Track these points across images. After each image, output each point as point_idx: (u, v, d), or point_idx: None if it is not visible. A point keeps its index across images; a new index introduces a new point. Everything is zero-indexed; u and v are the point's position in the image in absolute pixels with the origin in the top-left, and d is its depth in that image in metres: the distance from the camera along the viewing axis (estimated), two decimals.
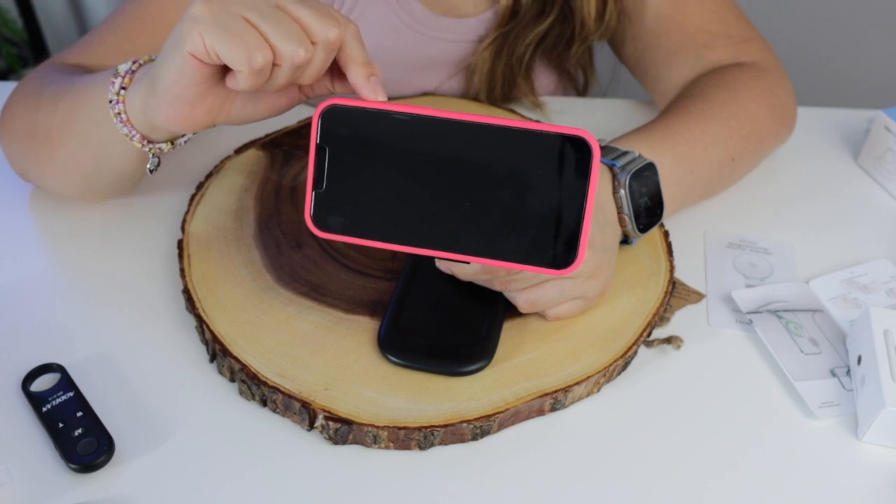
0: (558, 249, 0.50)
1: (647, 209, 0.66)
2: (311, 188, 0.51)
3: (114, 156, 0.64)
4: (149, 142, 0.60)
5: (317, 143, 0.50)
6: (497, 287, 0.61)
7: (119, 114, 0.58)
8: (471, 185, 0.50)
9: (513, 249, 0.51)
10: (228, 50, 0.49)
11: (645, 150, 0.67)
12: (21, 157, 0.70)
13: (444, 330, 0.61)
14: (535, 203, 0.50)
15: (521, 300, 0.61)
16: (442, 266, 0.61)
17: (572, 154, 0.48)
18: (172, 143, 0.62)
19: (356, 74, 0.52)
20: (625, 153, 0.65)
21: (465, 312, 0.62)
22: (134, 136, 0.59)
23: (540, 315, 0.63)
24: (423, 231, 0.51)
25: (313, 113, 0.50)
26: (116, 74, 0.58)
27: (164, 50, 0.53)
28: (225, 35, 0.49)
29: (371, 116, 0.50)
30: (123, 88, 0.58)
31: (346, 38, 0.52)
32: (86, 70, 0.71)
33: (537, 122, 0.54)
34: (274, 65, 0.51)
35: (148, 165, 0.62)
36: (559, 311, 0.62)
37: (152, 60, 0.58)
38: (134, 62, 0.59)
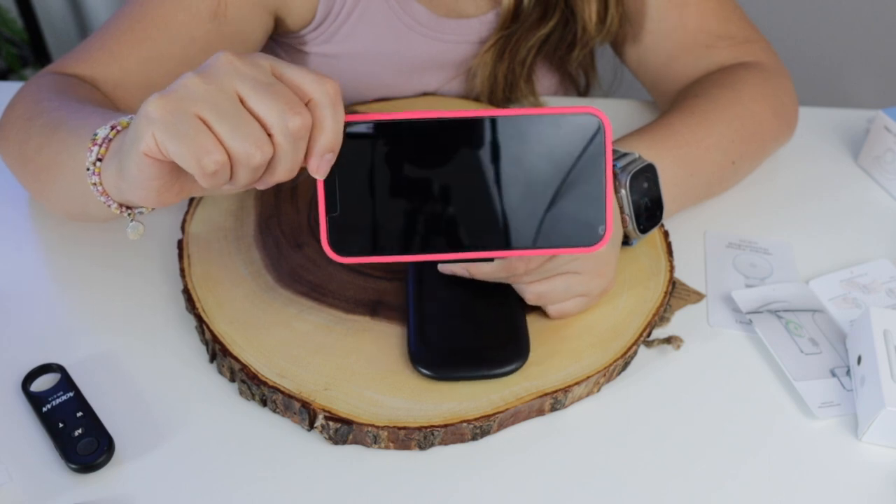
0: (586, 227, 0.50)
1: (647, 210, 0.66)
2: (324, 214, 0.50)
3: (98, 208, 0.61)
4: (127, 207, 0.58)
5: None
6: (511, 281, 0.61)
7: (95, 184, 0.56)
8: (489, 182, 0.50)
9: (541, 237, 0.51)
10: (179, 154, 0.47)
11: (645, 151, 0.67)
12: (16, 176, 0.70)
13: (473, 335, 0.61)
14: (555, 186, 0.50)
15: (530, 292, 0.61)
16: (457, 269, 0.60)
17: (584, 131, 0.49)
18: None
19: (312, 148, 0.49)
20: (625, 154, 0.66)
21: (484, 312, 0.62)
22: (111, 204, 0.57)
23: (541, 315, 0.63)
24: (447, 237, 0.51)
25: None
26: (94, 142, 0.55)
27: (126, 142, 0.50)
28: (176, 138, 0.46)
29: (378, 128, 0.49)
30: (100, 160, 0.55)
31: (317, 121, 0.48)
32: (87, 82, 0.71)
33: (542, 107, 0.54)
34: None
35: (128, 230, 0.59)
36: (562, 307, 0.62)
37: (129, 119, 0.56)
38: (112, 128, 0.55)
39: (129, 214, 0.58)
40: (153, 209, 0.60)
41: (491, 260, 0.57)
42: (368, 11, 0.81)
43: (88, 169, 0.55)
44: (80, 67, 0.72)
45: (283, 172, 0.49)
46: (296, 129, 0.47)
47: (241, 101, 0.47)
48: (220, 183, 0.48)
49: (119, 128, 0.55)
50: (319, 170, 0.49)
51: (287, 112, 0.46)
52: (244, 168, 0.47)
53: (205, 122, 0.46)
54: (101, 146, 0.55)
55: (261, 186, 0.50)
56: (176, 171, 0.51)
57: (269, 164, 0.48)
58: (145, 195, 0.51)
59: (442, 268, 0.61)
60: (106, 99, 0.71)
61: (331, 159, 0.49)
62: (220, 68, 0.47)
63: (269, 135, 0.47)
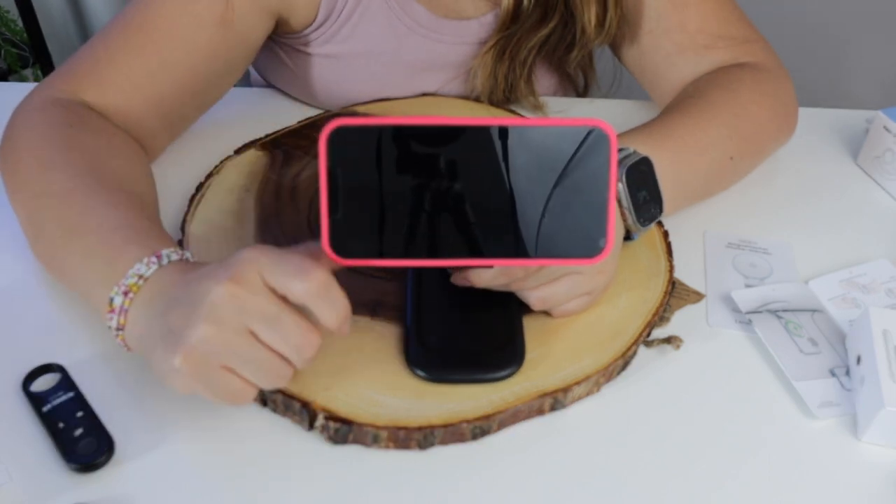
0: (586, 239, 0.50)
1: (645, 202, 0.66)
2: (326, 216, 0.50)
3: None
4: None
5: (327, 169, 0.48)
6: (512, 288, 0.61)
7: (120, 340, 0.57)
8: (491, 190, 0.50)
9: (541, 247, 0.51)
10: (214, 399, 0.52)
11: (642, 149, 0.67)
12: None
13: (470, 338, 0.61)
14: (557, 197, 0.50)
15: (534, 298, 0.61)
16: (457, 280, 0.60)
17: (589, 144, 0.49)
18: None
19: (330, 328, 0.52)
20: (620, 149, 0.66)
21: (481, 315, 0.62)
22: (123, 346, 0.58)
23: (541, 315, 0.63)
24: (448, 243, 0.50)
25: (319, 137, 0.48)
26: (111, 308, 0.55)
27: (155, 366, 0.53)
28: (208, 390, 0.51)
29: (381, 133, 0.49)
30: (120, 329, 0.56)
31: (315, 311, 0.51)
32: (96, 111, 0.69)
33: (547, 118, 0.54)
34: None
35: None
36: (567, 307, 0.63)
37: (139, 281, 0.55)
38: (124, 294, 0.55)
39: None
40: None
41: (490, 267, 0.57)
42: (369, 12, 0.81)
43: (110, 327, 0.56)
44: (90, 93, 0.70)
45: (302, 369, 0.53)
46: (310, 357, 0.52)
47: (254, 335, 0.50)
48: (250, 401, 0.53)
49: (132, 295, 0.55)
50: (344, 334, 0.52)
51: (301, 346, 0.51)
52: (271, 388, 0.53)
53: (230, 370, 0.51)
54: (119, 315, 0.56)
55: None
56: None
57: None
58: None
59: (454, 278, 0.60)
60: (117, 131, 0.70)
61: (347, 325, 0.52)
62: (225, 309, 0.49)
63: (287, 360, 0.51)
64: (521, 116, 0.87)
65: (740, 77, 0.78)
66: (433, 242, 0.51)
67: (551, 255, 0.51)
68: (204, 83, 0.75)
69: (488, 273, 0.58)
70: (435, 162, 0.49)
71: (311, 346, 0.51)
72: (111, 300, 0.56)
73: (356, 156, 0.49)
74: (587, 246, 0.50)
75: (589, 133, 0.48)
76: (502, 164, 0.49)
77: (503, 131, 0.49)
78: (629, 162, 0.64)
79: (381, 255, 0.51)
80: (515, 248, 0.51)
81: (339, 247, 0.50)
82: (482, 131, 0.49)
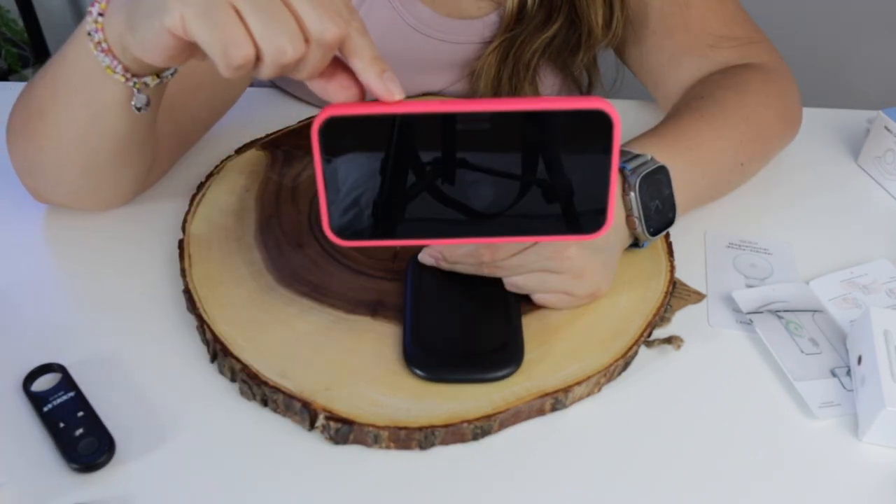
0: (587, 215, 0.50)
1: (657, 212, 0.66)
2: (324, 202, 0.50)
3: (103, 109, 0.60)
4: (133, 75, 0.57)
5: (323, 159, 0.48)
6: (484, 272, 0.62)
7: (99, 43, 0.54)
8: (491, 170, 0.50)
9: (544, 223, 0.51)
10: (206, 41, 0.45)
11: (657, 153, 0.67)
12: (20, 147, 0.67)
13: (469, 338, 0.61)
14: (558, 176, 0.50)
15: (506, 283, 0.63)
16: (424, 258, 0.61)
17: (592, 125, 0.48)
18: (158, 76, 0.58)
19: (366, 72, 0.47)
20: (637, 156, 0.65)
21: (480, 315, 0.62)
22: (116, 66, 0.55)
23: (542, 315, 0.64)
24: (448, 222, 0.51)
25: (311, 128, 0.48)
26: (93, 2, 0.54)
27: (145, 4, 0.49)
28: (206, 24, 0.45)
29: (373, 121, 0.48)
30: (101, 15, 0.54)
31: (349, 34, 0.46)
32: None
33: (547, 98, 0.53)
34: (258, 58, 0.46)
35: (134, 102, 0.58)
36: (544, 298, 0.63)
37: None
38: None
39: (135, 84, 0.57)
40: (159, 81, 0.58)
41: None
42: (373, 12, 0.81)
43: (90, 32, 0.54)
44: None
45: (305, 74, 0.47)
46: (332, 41, 0.45)
47: None
48: (242, 74, 0.46)
49: None
50: (392, 93, 0.47)
51: (326, 20, 0.45)
52: (271, 65, 0.46)
53: (238, 13, 0.45)
54: (101, 1, 0.53)
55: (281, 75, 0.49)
56: (193, 45, 0.48)
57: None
58: (153, 58, 0.50)
59: (421, 256, 0.63)
60: None
61: (391, 76, 0.47)
62: None
63: (305, 38, 0.45)
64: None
65: (748, 79, 0.78)
66: (431, 222, 0.51)
67: (552, 232, 0.51)
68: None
69: (459, 250, 0.59)
70: (433, 145, 0.49)
71: (339, 30, 0.45)
72: None
73: (351, 144, 0.49)
74: (588, 222, 0.50)
75: (591, 114, 0.48)
76: (504, 147, 0.49)
77: (503, 115, 0.49)
78: (643, 171, 0.64)
79: (381, 237, 0.51)
80: (513, 225, 0.51)
81: (340, 230, 0.51)
82: (482, 116, 0.49)
